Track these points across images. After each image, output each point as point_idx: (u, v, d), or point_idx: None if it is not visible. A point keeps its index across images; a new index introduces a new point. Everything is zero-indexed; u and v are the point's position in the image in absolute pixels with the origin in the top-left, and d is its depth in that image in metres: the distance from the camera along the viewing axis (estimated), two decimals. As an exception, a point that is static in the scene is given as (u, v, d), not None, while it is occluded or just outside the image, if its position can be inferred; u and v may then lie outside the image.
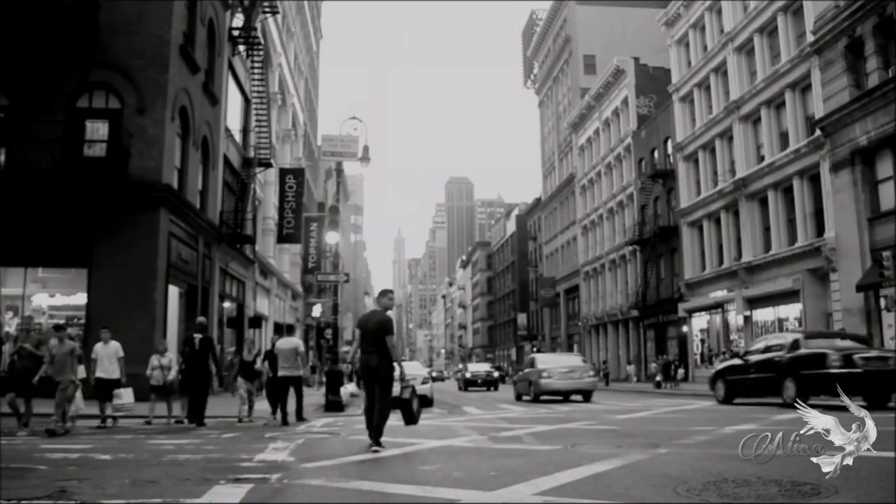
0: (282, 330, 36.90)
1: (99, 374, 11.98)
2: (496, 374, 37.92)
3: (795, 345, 14.59)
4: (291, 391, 13.03)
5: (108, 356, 12.05)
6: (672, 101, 37.82)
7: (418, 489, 5.18)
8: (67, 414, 10.89)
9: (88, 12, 17.38)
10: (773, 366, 14.73)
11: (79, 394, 11.19)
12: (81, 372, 11.78)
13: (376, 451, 7.58)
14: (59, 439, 9.75)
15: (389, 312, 8.66)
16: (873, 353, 13.71)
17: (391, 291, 8.88)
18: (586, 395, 20.45)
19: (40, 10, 17.05)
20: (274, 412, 13.01)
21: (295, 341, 13.51)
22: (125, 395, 12.24)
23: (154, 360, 12.94)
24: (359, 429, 10.90)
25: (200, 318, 13.96)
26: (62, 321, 13.44)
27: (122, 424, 12.12)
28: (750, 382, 15.66)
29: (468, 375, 36.73)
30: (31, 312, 17.13)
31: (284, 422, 12.54)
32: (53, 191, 16.60)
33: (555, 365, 20.99)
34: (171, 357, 13.37)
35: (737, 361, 16.78)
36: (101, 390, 11.97)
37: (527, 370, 22.38)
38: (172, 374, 12.85)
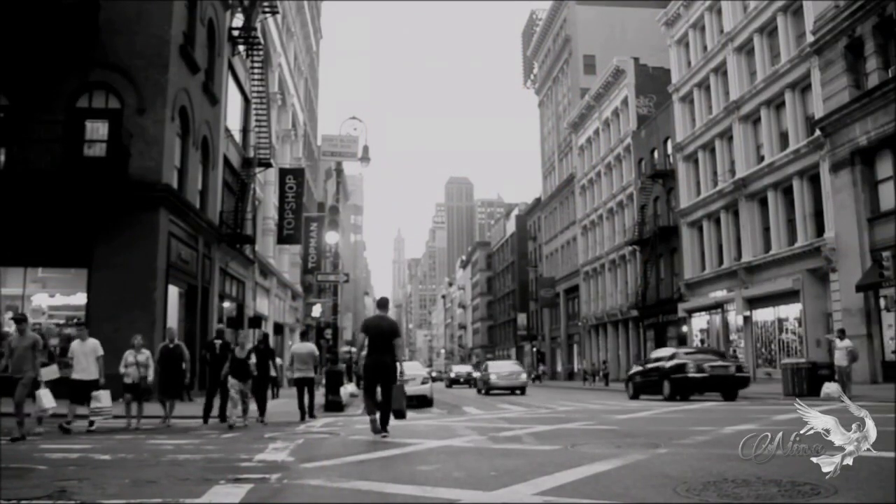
0: (282, 330, 37.04)
1: (76, 374, 11.07)
2: (475, 374, 45.41)
3: (672, 357, 19.75)
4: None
5: (86, 355, 11.11)
6: (672, 101, 37.82)
7: (418, 489, 5.18)
8: (31, 414, 9.95)
9: (88, 12, 17.38)
10: (658, 372, 19.77)
11: (45, 391, 10.18)
12: (55, 371, 11.01)
13: (384, 437, 8.93)
14: (58, 439, 9.72)
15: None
16: (718, 363, 18.83)
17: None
18: (522, 389, 28.69)
19: (40, 10, 17.06)
20: (261, 413, 13.46)
21: (311, 346, 14.56)
22: (103, 398, 11.24)
23: (129, 357, 12.06)
24: (359, 429, 10.92)
25: (219, 325, 14.23)
26: (21, 314, 11.84)
27: (103, 426, 11.41)
28: (647, 383, 20.68)
29: (452, 375, 48.61)
30: (29, 312, 17.16)
31: (304, 417, 13.59)
32: (53, 191, 16.60)
33: (500, 370, 29.61)
34: (148, 354, 12.39)
35: (639, 368, 22.06)
36: (76, 392, 11.05)
37: (482, 373, 31.39)
38: (150, 376, 12.14)
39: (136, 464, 7.06)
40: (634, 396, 21.32)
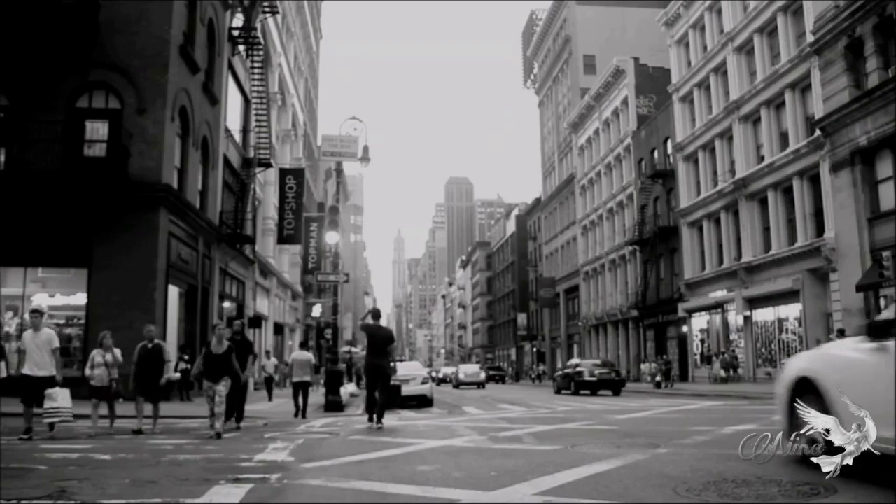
0: (282, 330, 37.04)
1: (26, 369, 9.74)
2: None
3: (577, 366, 28.16)
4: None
5: (39, 347, 9.71)
6: (672, 101, 37.82)
7: (418, 489, 5.18)
8: None
9: (88, 12, 17.37)
10: (568, 376, 28.15)
11: None
12: (1, 370, 10.04)
13: (380, 428, 10.54)
14: (58, 440, 9.71)
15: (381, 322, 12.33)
16: (605, 370, 27.20)
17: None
18: (482, 384, 40.91)
19: (40, 10, 17.04)
20: (228, 419, 11.50)
21: (308, 355, 15.98)
22: (60, 397, 9.80)
23: (97, 357, 10.76)
24: (359, 429, 10.94)
25: (237, 323, 14.26)
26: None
27: (62, 428, 10.19)
28: (563, 383, 28.67)
29: (440, 375, 55.25)
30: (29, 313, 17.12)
31: (298, 415, 14.51)
32: (53, 191, 16.59)
33: (467, 371, 43.14)
34: (118, 354, 10.96)
35: (561, 372, 30.32)
36: (28, 390, 9.73)
37: (455, 373, 44.34)
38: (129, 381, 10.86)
39: (136, 464, 7.06)
40: (557, 392, 28.97)
